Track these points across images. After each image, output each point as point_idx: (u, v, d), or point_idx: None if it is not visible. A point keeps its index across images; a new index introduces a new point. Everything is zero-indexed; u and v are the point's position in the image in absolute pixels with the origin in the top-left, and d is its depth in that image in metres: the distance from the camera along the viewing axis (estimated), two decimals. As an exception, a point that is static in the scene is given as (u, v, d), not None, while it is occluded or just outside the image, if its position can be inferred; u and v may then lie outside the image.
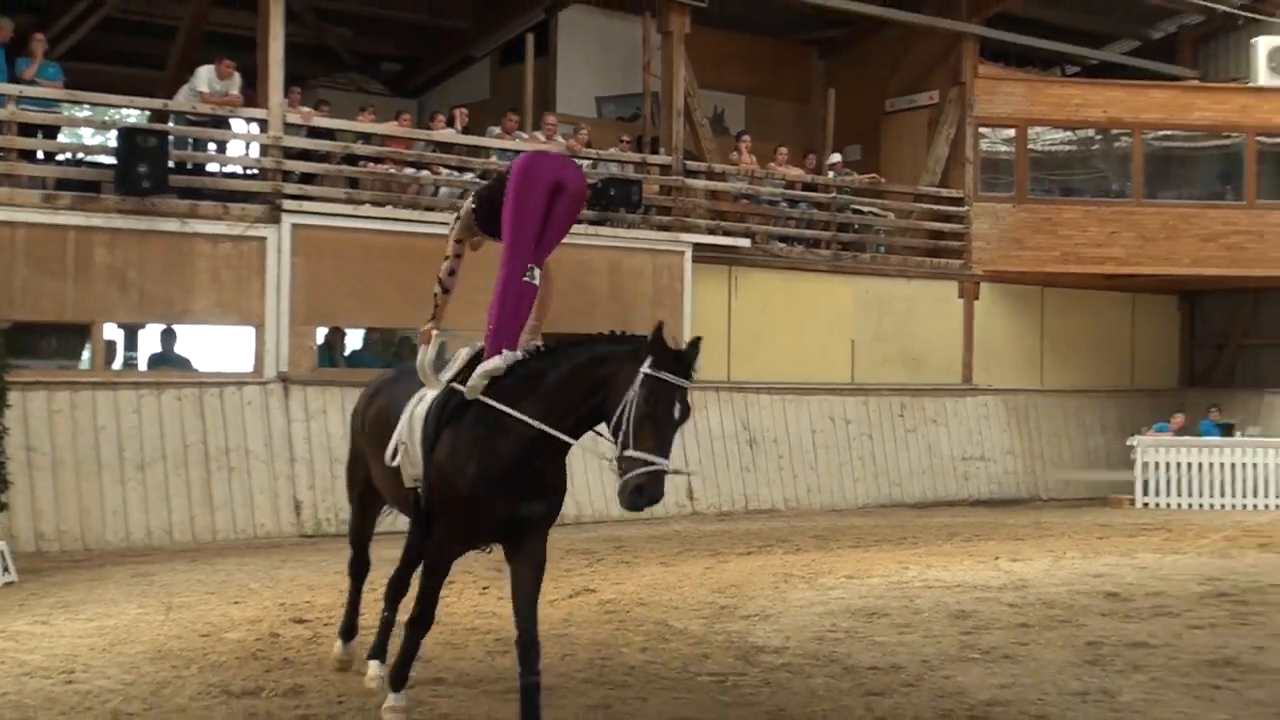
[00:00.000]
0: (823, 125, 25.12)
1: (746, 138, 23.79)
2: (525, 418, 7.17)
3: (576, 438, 7.24)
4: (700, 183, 22.54)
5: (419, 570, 7.98)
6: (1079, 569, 14.81)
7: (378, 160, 19.56)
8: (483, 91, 25.00)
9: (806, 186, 24.00)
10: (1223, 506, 23.44)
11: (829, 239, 23.82)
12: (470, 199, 8.37)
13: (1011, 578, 14.09)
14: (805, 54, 27.70)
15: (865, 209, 24.69)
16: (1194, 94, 26.61)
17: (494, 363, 7.46)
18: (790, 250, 23.12)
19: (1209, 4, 26.90)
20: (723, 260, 21.71)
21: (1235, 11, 27.03)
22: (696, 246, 21.36)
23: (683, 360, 6.89)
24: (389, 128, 20.00)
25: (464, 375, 7.59)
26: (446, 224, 18.61)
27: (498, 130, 20.83)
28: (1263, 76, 26.18)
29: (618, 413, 6.85)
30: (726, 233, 22.19)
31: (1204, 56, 28.89)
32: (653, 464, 6.72)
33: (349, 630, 9.14)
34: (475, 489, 7.27)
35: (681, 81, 22.47)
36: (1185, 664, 9.72)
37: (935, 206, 25.27)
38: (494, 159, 20.36)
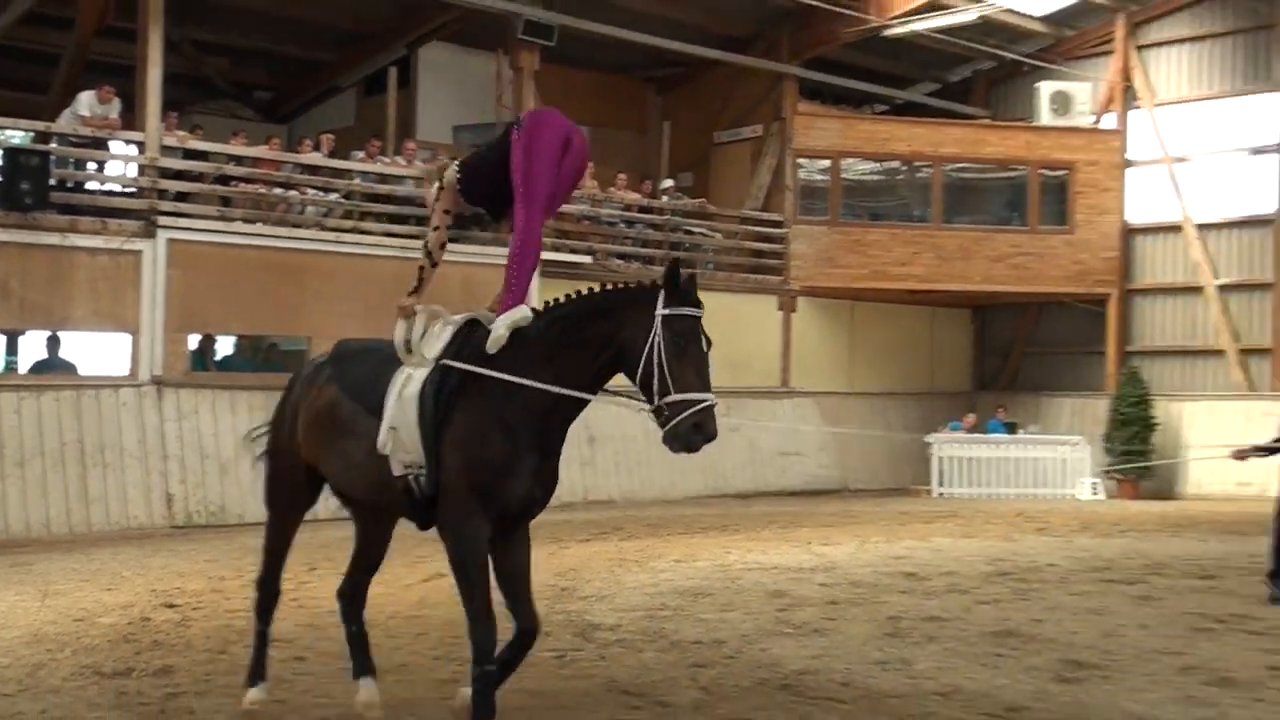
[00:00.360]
0: (658, 154, 25.29)
1: (589, 164, 23.77)
2: (542, 385, 6.30)
3: (594, 394, 6.47)
4: (547, 204, 22.46)
5: (454, 575, 6.60)
6: (882, 552, 15.01)
7: (249, 180, 19.26)
8: (348, 119, 24.75)
9: (643, 209, 24.09)
10: (1007, 496, 24.01)
11: (662, 257, 23.89)
12: (454, 166, 7.20)
13: (822, 560, 14.23)
14: (643, 90, 27.80)
15: (695, 230, 24.85)
16: (986, 131, 27.22)
17: (521, 312, 6.51)
18: (627, 266, 23.14)
19: (999, 52, 27.55)
20: (566, 275, 21.53)
21: (1022, 59, 27.70)
22: (543, 262, 21.24)
23: (691, 291, 6.17)
24: (260, 151, 19.70)
25: (456, 351, 6.61)
26: (312, 239, 18.88)
27: (361, 155, 20.63)
28: (1045, 117, 26.88)
29: (644, 360, 6.08)
30: (571, 250, 22.18)
31: (995, 98, 29.54)
32: (702, 401, 5.98)
33: (259, 673, 7.36)
34: (508, 462, 6.34)
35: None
36: (973, 635, 9.86)
37: (758, 228, 25.55)
38: (357, 181, 20.20)
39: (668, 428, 6.02)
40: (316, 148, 20.27)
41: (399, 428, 6.49)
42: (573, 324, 6.41)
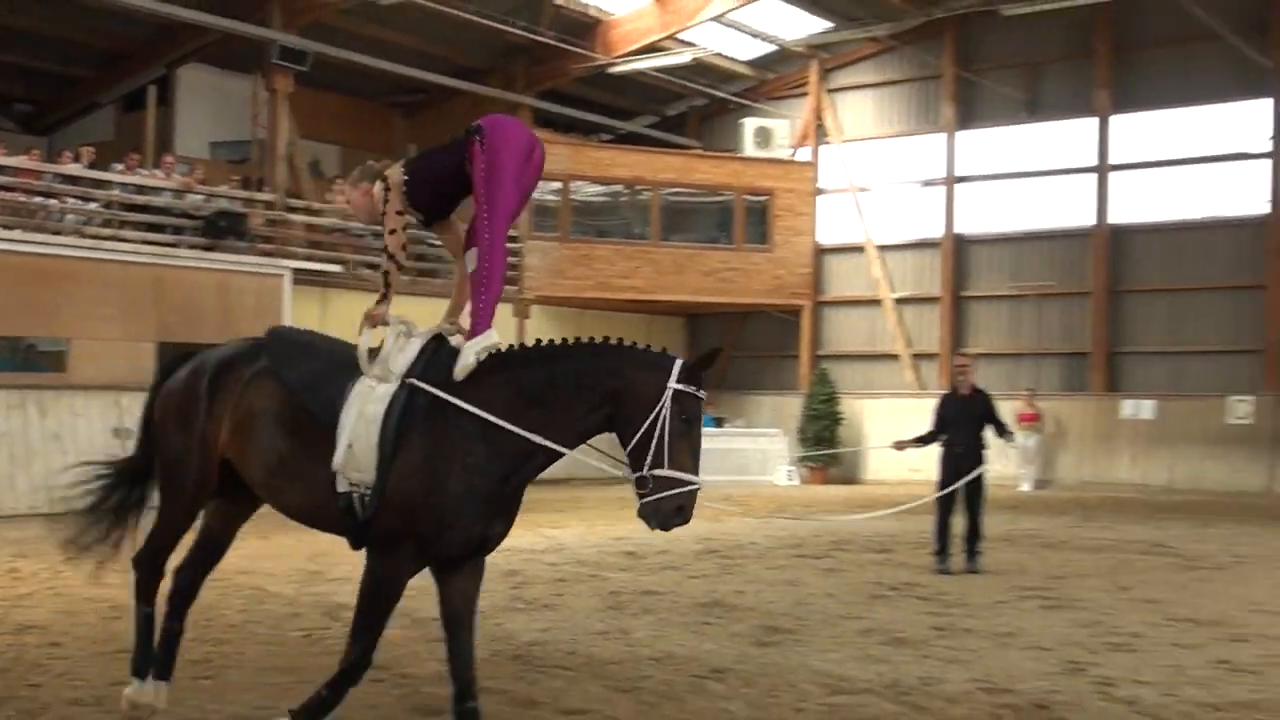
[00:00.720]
0: (404, 173, 24.93)
1: (340, 181, 23.39)
2: (523, 431, 5.48)
3: (572, 448, 5.62)
4: (299, 217, 21.98)
5: (364, 596, 5.74)
6: (605, 534, 15.12)
7: (8, 189, 18.22)
8: (108, 133, 23.72)
9: (390, 223, 23.73)
10: (716, 482, 24.50)
11: (408, 267, 23.61)
12: (398, 167, 6.03)
13: (552, 542, 14.26)
14: (391, 114, 27.44)
15: (438, 243, 24.57)
16: (698, 160, 27.76)
17: (490, 338, 5.67)
18: (376, 275, 22.73)
19: (710, 91, 28.15)
20: (317, 283, 21.21)
21: (729, 97, 28.39)
22: (295, 271, 20.79)
23: (703, 373, 5.53)
24: (19, 161, 18.68)
25: (422, 370, 5.68)
26: (72, 246, 17.97)
27: (121, 167, 19.76)
28: (749, 149, 27.58)
29: (645, 428, 5.35)
30: (321, 260, 21.71)
31: (706, 131, 30.18)
32: (691, 484, 5.39)
33: (146, 665, 6.31)
34: (458, 509, 5.48)
35: (285, 132, 21.94)
36: (684, 606, 10.04)
37: (496, 243, 25.46)
38: (117, 191, 19.36)
39: (650, 500, 5.37)
40: (76, 159, 19.33)
41: (356, 445, 5.56)
42: (572, 372, 5.57)
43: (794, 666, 7.84)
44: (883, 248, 27.89)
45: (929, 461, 12.99)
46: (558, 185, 26.14)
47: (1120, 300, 25.66)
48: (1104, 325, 25.60)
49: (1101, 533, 16.16)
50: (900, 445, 12.77)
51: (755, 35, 27.05)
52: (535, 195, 25.46)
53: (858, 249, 28.17)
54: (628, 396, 5.44)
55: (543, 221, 26.09)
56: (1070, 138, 26.23)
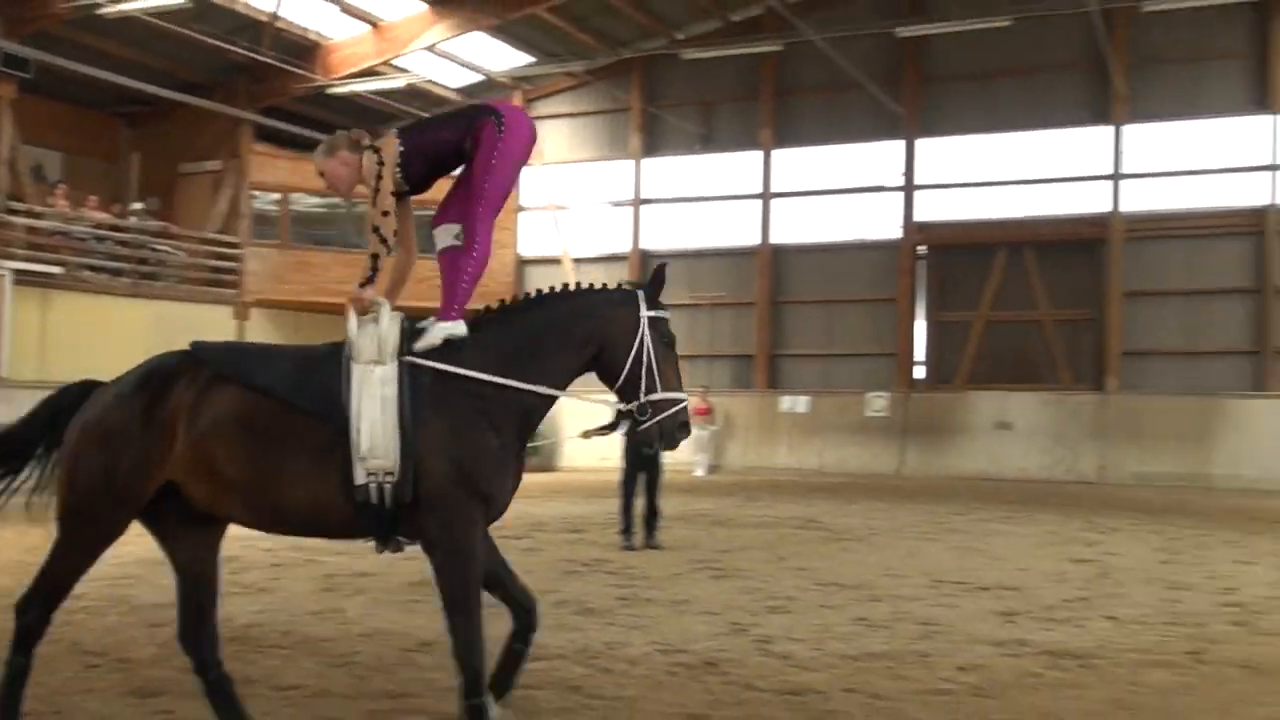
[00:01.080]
0: (128, 180, 23.62)
1: (63, 186, 22.00)
2: (529, 385, 5.10)
3: (564, 390, 5.29)
4: (20, 220, 20.47)
5: (449, 600, 5.13)
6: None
7: None
8: None
9: (112, 227, 22.43)
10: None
11: (130, 270, 22.38)
12: (394, 140, 5.40)
13: (270, 530, 13.75)
14: (115, 123, 25.86)
15: (160, 248, 23.42)
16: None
17: (460, 327, 5.24)
18: (97, 278, 21.49)
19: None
20: (39, 284, 19.82)
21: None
22: (16, 272, 19.35)
23: (660, 293, 5.34)
24: None
25: (409, 348, 5.18)
26: None
27: None
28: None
29: (631, 360, 5.14)
30: (43, 262, 20.29)
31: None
32: (683, 400, 5.19)
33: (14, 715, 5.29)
34: (502, 468, 5.06)
35: (7, 138, 20.46)
36: (396, 586, 9.85)
37: (217, 249, 24.43)
38: None
39: (651, 423, 5.16)
40: None
41: (374, 431, 4.90)
42: (549, 323, 5.21)
43: (495, 637, 7.72)
44: (577, 260, 28.23)
45: (615, 450, 13.22)
46: (277, 196, 25.33)
47: (780, 310, 26.85)
48: (767, 331, 26.72)
49: (763, 511, 16.84)
50: (586, 434, 12.95)
51: (464, 65, 26.90)
52: (257, 205, 24.88)
53: (555, 261, 28.42)
54: (609, 335, 5.20)
55: (263, 230, 25.24)
56: (739, 168, 27.29)
